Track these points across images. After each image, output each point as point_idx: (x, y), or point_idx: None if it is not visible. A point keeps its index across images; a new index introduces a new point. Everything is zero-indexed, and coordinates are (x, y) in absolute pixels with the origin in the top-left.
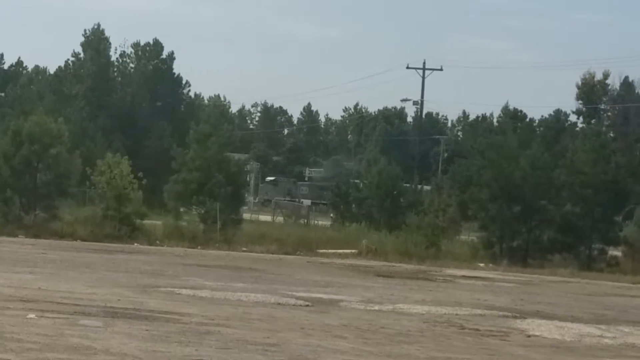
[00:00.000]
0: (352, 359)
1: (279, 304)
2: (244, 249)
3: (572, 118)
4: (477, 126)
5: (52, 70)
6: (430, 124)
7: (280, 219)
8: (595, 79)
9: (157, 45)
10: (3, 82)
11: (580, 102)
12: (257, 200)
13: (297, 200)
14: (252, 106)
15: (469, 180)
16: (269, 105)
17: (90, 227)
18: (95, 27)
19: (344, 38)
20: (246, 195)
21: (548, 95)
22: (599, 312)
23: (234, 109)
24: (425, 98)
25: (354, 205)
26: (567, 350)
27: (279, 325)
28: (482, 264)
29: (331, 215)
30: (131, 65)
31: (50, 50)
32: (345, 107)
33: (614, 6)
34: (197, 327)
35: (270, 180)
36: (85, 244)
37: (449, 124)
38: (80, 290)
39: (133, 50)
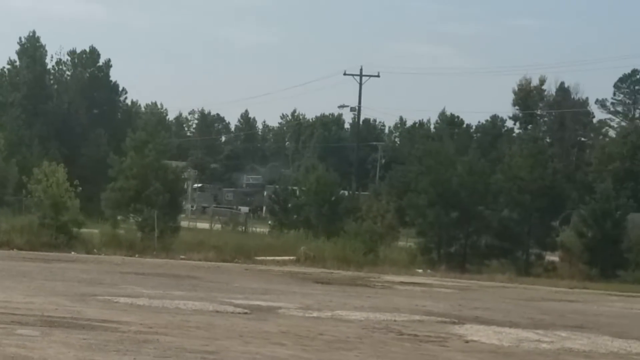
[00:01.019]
0: None
1: (218, 311)
2: (182, 256)
3: (509, 124)
4: (414, 132)
5: None
6: (367, 131)
7: (218, 226)
8: (532, 85)
9: (93, 53)
10: None
11: (516, 107)
12: (194, 207)
13: (234, 207)
14: (189, 113)
15: (406, 187)
16: (206, 113)
17: (27, 236)
18: (31, 34)
19: (281, 45)
20: (184, 202)
21: (485, 101)
22: (537, 317)
23: (171, 116)
24: (362, 104)
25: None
26: (506, 355)
27: (218, 333)
28: (420, 270)
29: (269, 222)
30: (67, 72)
31: None
32: (283, 114)
33: (548, 12)
34: (135, 335)
35: (197, 187)
36: (22, 253)
37: (387, 130)
38: (17, 300)
39: (69, 58)
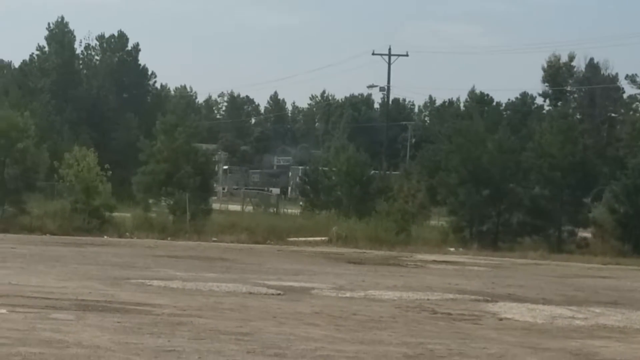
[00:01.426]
0: (325, 346)
1: (251, 293)
2: (214, 239)
3: (539, 101)
4: (444, 111)
5: (17, 64)
6: (397, 110)
7: (249, 208)
8: (561, 62)
9: (121, 37)
10: None
11: (546, 84)
12: (225, 190)
13: (265, 189)
14: (219, 96)
15: (437, 165)
16: (236, 95)
17: (59, 221)
18: (59, 20)
19: (309, 25)
20: (215, 185)
21: (514, 79)
22: (570, 294)
23: (200, 99)
24: (391, 84)
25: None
26: (539, 332)
27: (251, 315)
28: (452, 249)
29: (300, 203)
30: (96, 57)
31: (14, 44)
32: (312, 95)
33: None
34: (169, 318)
35: (224, 170)
36: (54, 238)
37: (416, 110)
38: (51, 284)
39: (98, 43)
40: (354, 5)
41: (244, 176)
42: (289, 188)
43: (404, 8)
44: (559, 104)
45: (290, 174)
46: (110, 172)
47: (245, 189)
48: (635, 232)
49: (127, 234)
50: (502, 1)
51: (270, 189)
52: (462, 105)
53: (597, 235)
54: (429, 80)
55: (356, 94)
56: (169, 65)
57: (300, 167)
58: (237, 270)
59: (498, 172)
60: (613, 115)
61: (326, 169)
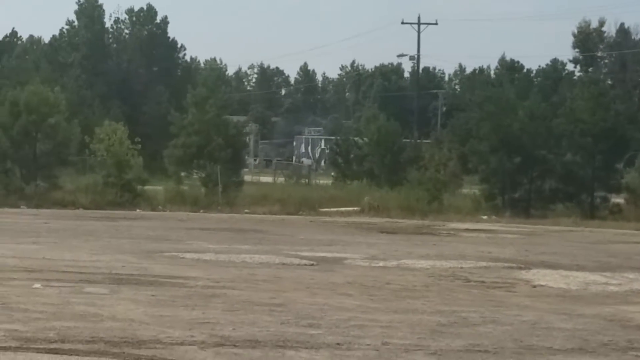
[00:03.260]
0: (359, 315)
1: (284, 264)
2: (246, 210)
3: (570, 67)
4: (474, 79)
5: (46, 39)
6: (427, 79)
7: (281, 179)
8: (591, 27)
9: (150, 11)
10: None
11: (577, 50)
12: (257, 161)
13: (298, 160)
14: (249, 68)
15: (468, 134)
16: (266, 67)
17: (92, 195)
18: None
19: None
20: (246, 157)
21: (545, 45)
22: (604, 260)
23: (230, 71)
24: (421, 53)
25: (356, 164)
26: (573, 298)
27: (285, 286)
28: (484, 217)
29: (332, 174)
30: (126, 31)
31: (44, 19)
32: (342, 66)
33: None
34: (202, 290)
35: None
36: (87, 212)
37: (446, 78)
38: (84, 259)
39: (127, 17)
40: None
41: (274, 148)
42: (293, 157)
43: None
44: (590, 69)
45: (294, 143)
46: (141, 146)
47: (277, 160)
48: None
49: (160, 207)
50: None
51: (302, 159)
52: (492, 72)
53: (629, 201)
54: (458, 48)
55: (386, 63)
56: (198, 38)
57: (303, 137)
58: (269, 241)
59: (529, 139)
60: None
61: (357, 138)
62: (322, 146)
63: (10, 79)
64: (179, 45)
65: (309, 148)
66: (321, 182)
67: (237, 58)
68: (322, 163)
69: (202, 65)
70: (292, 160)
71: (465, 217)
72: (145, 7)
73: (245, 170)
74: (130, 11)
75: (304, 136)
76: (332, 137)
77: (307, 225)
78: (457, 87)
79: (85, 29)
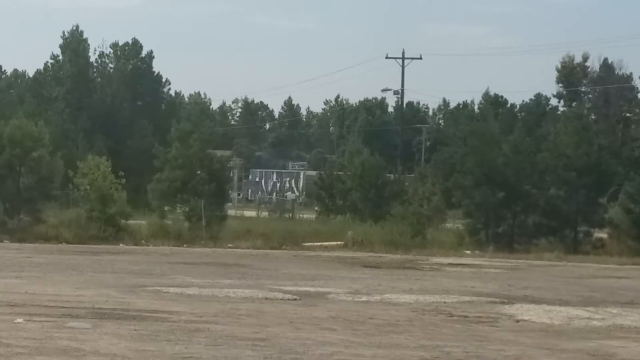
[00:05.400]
0: (342, 350)
1: (267, 298)
2: (230, 245)
3: (553, 102)
4: (458, 113)
5: (31, 73)
6: (411, 113)
7: (265, 214)
8: (575, 62)
9: (135, 45)
10: None
11: (560, 85)
12: (241, 196)
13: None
14: (233, 102)
15: (452, 168)
16: (250, 101)
17: (75, 229)
18: (74, 28)
19: (321, 30)
20: (230, 191)
21: (528, 80)
22: (587, 295)
23: (214, 105)
24: (405, 87)
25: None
26: (557, 333)
27: (268, 320)
28: (468, 251)
29: (316, 208)
30: (110, 65)
31: (28, 53)
32: (326, 100)
33: None
34: (185, 325)
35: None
36: (70, 247)
37: (430, 113)
38: (67, 293)
39: (112, 51)
40: (366, 10)
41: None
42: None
43: (416, 11)
44: (574, 104)
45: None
46: (125, 180)
47: (261, 195)
48: None
49: (143, 241)
50: (515, 1)
51: (286, 194)
52: (476, 107)
53: (613, 236)
54: (442, 83)
55: (370, 97)
56: (183, 72)
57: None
58: (253, 276)
59: (513, 173)
60: (628, 115)
61: (341, 173)
62: (302, 179)
63: None
64: (163, 80)
65: (292, 182)
66: (305, 216)
67: (221, 92)
68: (302, 195)
69: (187, 99)
70: (274, 195)
71: (448, 252)
72: (130, 42)
73: (229, 204)
74: (115, 45)
75: (287, 170)
76: (314, 172)
77: (291, 259)
78: (441, 121)
79: (69, 63)
